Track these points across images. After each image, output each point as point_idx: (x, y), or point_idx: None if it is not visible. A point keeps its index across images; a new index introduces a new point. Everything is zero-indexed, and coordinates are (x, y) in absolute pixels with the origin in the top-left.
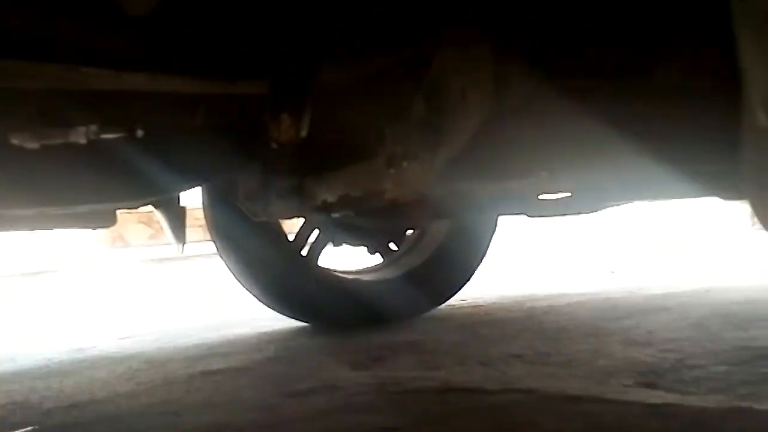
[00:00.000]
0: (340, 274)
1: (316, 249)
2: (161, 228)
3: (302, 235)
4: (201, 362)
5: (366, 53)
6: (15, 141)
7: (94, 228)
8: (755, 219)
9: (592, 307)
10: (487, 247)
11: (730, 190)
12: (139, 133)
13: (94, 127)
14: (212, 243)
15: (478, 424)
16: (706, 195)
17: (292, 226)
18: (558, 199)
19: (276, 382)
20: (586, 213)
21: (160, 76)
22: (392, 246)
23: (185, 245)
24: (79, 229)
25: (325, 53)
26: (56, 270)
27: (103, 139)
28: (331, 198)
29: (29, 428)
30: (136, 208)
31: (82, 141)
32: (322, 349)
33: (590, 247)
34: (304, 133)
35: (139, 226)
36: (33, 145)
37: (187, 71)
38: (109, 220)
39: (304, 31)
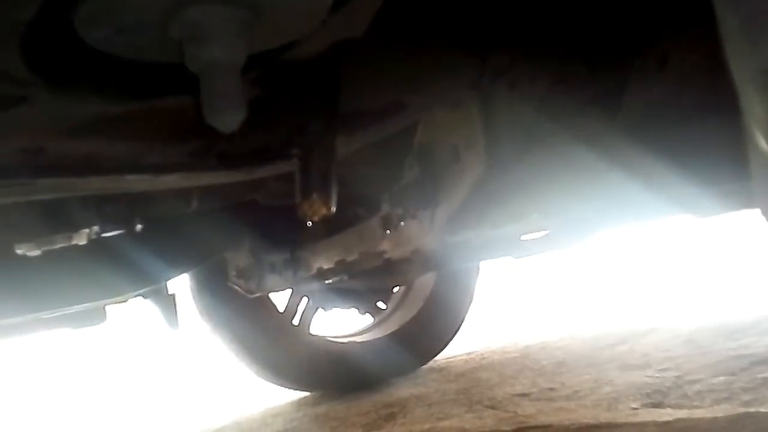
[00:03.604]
0: (334, 340)
1: (307, 317)
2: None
3: (292, 305)
4: None
5: (364, 123)
6: (19, 251)
7: (85, 327)
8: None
9: (585, 337)
10: (473, 292)
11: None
12: (138, 227)
13: (96, 228)
14: (203, 326)
15: None
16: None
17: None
18: (541, 237)
19: None
20: (570, 247)
21: (192, 173)
22: (381, 305)
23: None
24: (70, 329)
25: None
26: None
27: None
28: (326, 265)
29: None
30: (126, 301)
31: (83, 242)
32: (330, 416)
33: (572, 280)
34: (334, 209)
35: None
36: (35, 253)
37: (220, 165)
38: (99, 318)
39: (326, 108)
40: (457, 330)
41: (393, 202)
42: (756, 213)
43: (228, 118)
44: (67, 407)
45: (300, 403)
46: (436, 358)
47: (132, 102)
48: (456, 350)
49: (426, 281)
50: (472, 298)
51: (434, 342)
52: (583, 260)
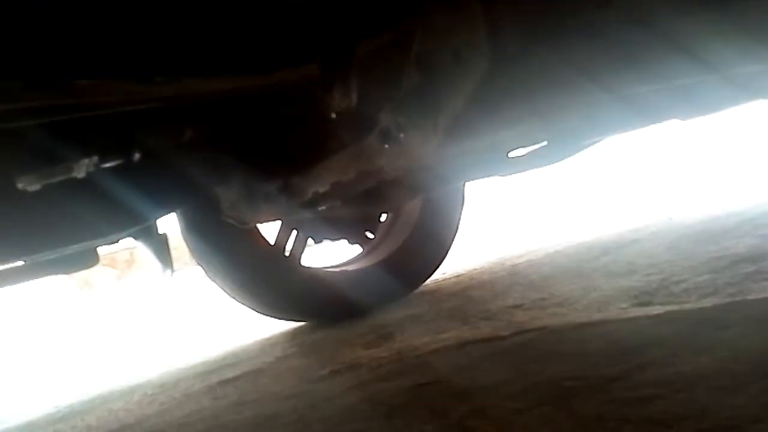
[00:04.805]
0: (326, 270)
1: (298, 249)
2: (128, 267)
3: (282, 238)
4: (213, 375)
5: (370, 28)
6: (20, 185)
7: (78, 271)
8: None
9: (569, 252)
10: (459, 219)
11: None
12: (136, 157)
13: (95, 158)
14: (196, 267)
15: (508, 362)
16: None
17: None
18: (529, 153)
19: (297, 373)
20: (555, 162)
21: (216, 78)
22: (369, 235)
23: (174, 271)
24: (63, 275)
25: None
26: (30, 327)
27: (96, 171)
28: (322, 188)
29: None
30: (117, 242)
31: (82, 175)
32: (328, 340)
33: (550, 200)
34: (355, 100)
35: (104, 269)
36: (35, 187)
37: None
38: (91, 260)
39: (343, 10)
40: (444, 257)
41: (393, 112)
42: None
43: None
44: (73, 346)
45: (296, 332)
46: (426, 283)
47: None
48: (444, 274)
49: (412, 210)
50: (457, 225)
51: (422, 268)
52: (564, 176)
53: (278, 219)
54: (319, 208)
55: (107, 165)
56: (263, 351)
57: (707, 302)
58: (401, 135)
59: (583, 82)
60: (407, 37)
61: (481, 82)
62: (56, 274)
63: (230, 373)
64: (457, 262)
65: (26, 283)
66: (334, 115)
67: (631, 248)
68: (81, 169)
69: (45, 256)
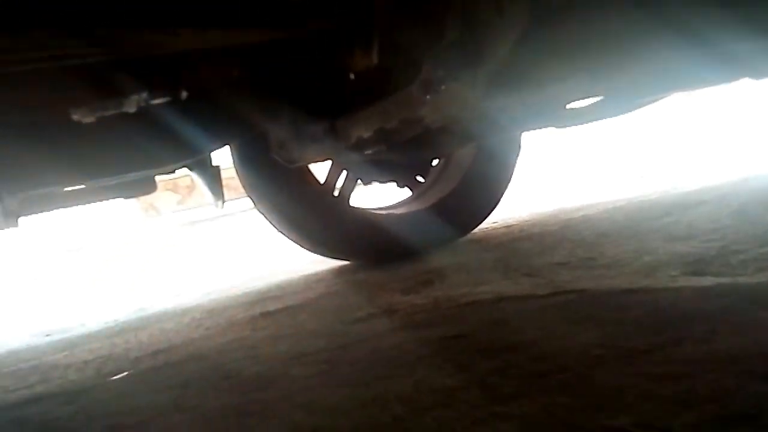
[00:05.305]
0: (373, 211)
1: (347, 189)
2: (189, 193)
3: (332, 177)
4: (258, 306)
5: None
6: (75, 117)
7: (137, 196)
8: None
9: (629, 210)
10: (514, 168)
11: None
12: (184, 94)
13: (144, 95)
14: (249, 198)
15: (538, 322)
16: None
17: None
18: (586, 106)
19: (334, 313)
20: (615, 116)
21: (251, 30)
22: (420, 179)
23: (224, 202)
24: (122, 199)
25: None
26: (98, 244)
27: (148, 106)
28: (366, 134)
29: (125, 373)
30: (173, 171)
31: (133, 110)
32: (369, 282)
33: (615, 155)
34: (375, 60)
35: (166, 193)
36: (89, 119)
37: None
38: (149, 187)
39: None
40: (496, 205)
41: (434, 64)
42: None
43: None
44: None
45: (341, 271)
46: (474, 230)
47: None
48: (495, 223)
49: (465, 156)
50: (511, 174)
51: (472, 216)
52: (633, 129)
53: (327, 159)
54: (366, 152)
55: (156, 101)
56: (306, 287)
57: (761, 277)
58: (442, 87)
59: (637, 38)
60: None
61: (523, 36)
62: (117, 197)
63: (273, 306)
64: (509, 212)
65: (94, 204)
66: (352, 76)
67: (695, 210)
68: (131, 104)
69: (107, 182)
